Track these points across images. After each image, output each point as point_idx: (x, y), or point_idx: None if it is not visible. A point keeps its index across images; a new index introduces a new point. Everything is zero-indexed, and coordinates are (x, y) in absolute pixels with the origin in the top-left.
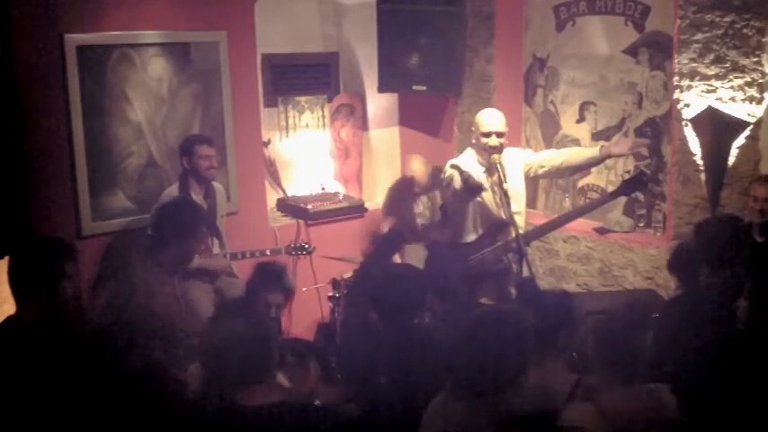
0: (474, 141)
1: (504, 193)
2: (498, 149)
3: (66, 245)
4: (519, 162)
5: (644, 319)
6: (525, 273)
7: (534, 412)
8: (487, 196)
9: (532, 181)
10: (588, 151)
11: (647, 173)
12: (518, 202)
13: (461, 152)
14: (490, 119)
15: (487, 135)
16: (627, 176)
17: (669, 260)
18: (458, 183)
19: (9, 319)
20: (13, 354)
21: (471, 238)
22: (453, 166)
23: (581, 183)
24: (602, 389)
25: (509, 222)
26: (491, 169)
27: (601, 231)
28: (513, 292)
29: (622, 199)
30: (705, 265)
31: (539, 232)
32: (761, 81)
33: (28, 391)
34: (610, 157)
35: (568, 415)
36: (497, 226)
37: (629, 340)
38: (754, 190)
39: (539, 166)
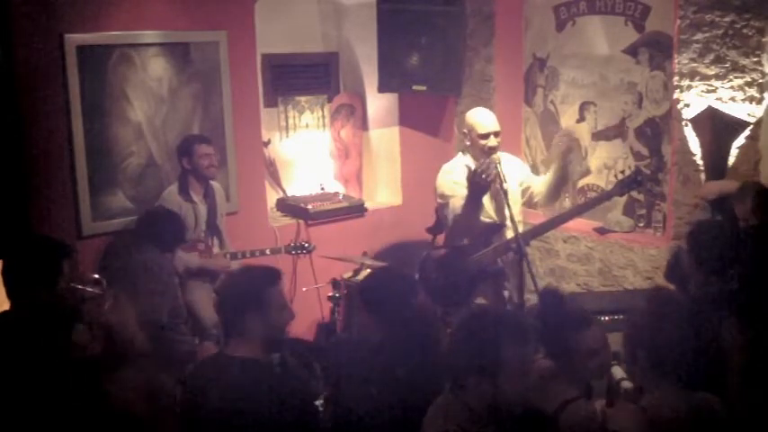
0: (468, 144)
1: (505, 193)
2: (497, 149)
3: (63, 245)
4: (516, 172)
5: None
6: (524, 272)
7: (533, 413)
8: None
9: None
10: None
11: (642, 171)
12: (516, 208)
13: (460, 147)
14: (486, 119)
15: (486, 137)
16: (621, 176)
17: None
18: (459, 204)
19: (2, 314)
20: (4, 349)
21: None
22: (454, 182)
23: (581, 183)
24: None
25: (503, 224)
26: None
27: (601, 231)
28: (507, 294)
29: (622, 199)
30: (704, 266)
31: (536, 232)
32: (761, 81)
33: (21, 386)
34: None
35: (612, 415)
36: (492, 227)
37: (676, 340)
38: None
39: (532, 189)
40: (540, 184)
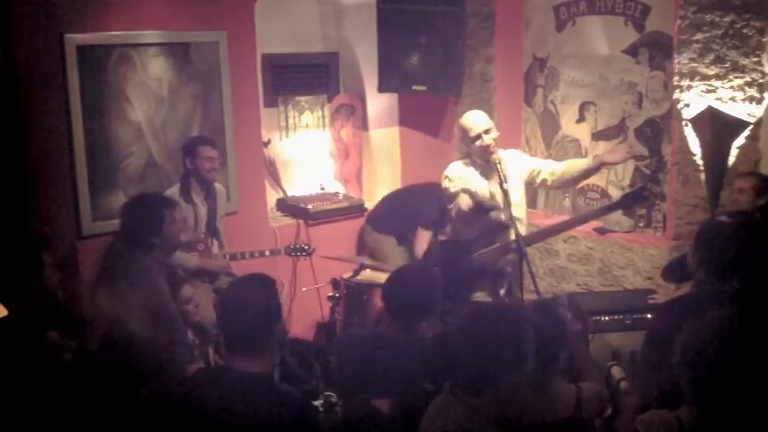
0: (467, 147)
1: (505, 194)
2: (492, 146)
3: (39, 236)
4: (518, 167)
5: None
6: (525, 272)
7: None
8: (487, 197)
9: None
10: (583, 162)
11: (647, 188)
12: (519, 208)
13: (461, 152)
14: (474, 120)
15: (477, 137)
16: (628, 189)
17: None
18: (465, 204)
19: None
20: (7, 353)
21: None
22: (465, 190)
23: (580, 183)
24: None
25: (508, 224)
26: (487, 171)
27: (601, 231)
28: (503, 293)
29: None
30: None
31: (539, 236)
32: (761, 81)
33: (30, 389)
34: (604, 165)
35: (647, 418)
36: (496, 227)
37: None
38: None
39: (543, 177)
40: (557, 167)
